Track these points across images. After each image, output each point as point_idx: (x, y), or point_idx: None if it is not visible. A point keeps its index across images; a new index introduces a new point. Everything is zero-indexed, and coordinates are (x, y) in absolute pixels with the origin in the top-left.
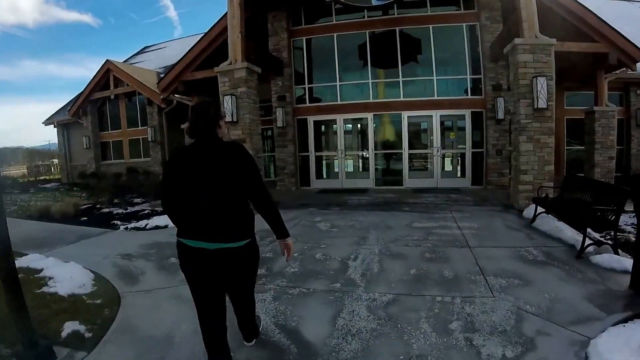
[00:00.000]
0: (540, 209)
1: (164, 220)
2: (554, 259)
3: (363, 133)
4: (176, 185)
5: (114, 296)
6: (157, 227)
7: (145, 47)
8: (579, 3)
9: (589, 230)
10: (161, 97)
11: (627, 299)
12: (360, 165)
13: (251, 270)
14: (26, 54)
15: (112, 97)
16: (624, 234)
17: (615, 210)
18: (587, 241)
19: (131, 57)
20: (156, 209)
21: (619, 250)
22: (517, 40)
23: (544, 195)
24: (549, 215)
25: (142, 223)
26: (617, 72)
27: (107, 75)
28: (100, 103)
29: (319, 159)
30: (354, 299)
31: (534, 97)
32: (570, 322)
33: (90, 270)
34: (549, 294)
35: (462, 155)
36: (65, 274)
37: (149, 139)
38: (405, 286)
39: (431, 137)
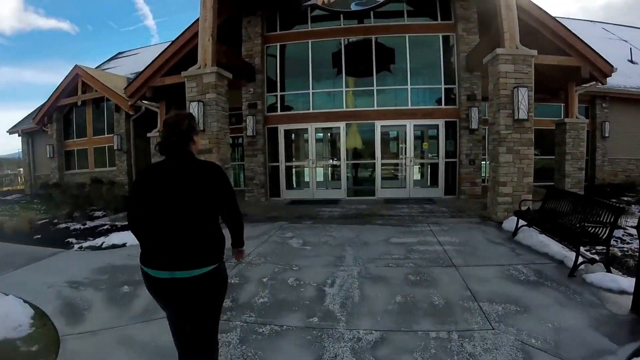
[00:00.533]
0: (521, 222)
1: (122, 237)
2: (546, 278)
3: (335, 142)
4: (143, 207)
5: (53, 340)
6: (113, 246)
7: (119, 53)
8: (554, 18)
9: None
10: (129, 103)
11: (633, 325)
12: (332, 175)
13: (216, 301)
14: (3, 61)
15: (79, 103)
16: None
17: (609, 227)
18: (580, 259)
19: (104, 62)
20: (116, 223)
21: (611, 268)
22: (498, 50)
23: (525, 208)
24: (531, 228)
25: (98, 241)
26: (587, 85)
27: (75, 81)
28: (67, 110)
29: (289, 169)
30: (335, 339)
31: (514, 107)
32: (583, 358)
33: (30, 305)
34: (551, 323)
35: (435, 165)
36: (0, 312)
37: (115, 147)
38: (392, 319)
39: (404, 147)
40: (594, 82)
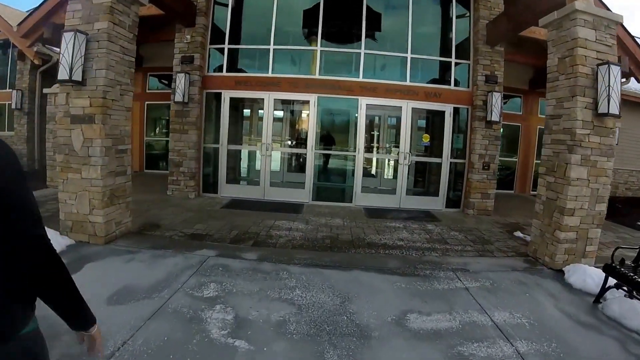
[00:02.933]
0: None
1: None
2: None
3: (300, 122)
4: None
5: None
6: None
7: None
8: None
9: None
10: (26, 45)
11: None
12: (294, 167)
13: None
14: None
15: None
16: None
17: None
18: None
19: None
20: None
21: None
22: (577, 5)
23: (615, 261)
24: (622, 289)
25: None
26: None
27: None
28: None
29: (233, 155)
30: None
31: (598, 95)
32: None
33: None
34: None
35: (437, 167)
36: None
37: (14, 106)
38: None
39: (396, 137)
40: (625, 79)
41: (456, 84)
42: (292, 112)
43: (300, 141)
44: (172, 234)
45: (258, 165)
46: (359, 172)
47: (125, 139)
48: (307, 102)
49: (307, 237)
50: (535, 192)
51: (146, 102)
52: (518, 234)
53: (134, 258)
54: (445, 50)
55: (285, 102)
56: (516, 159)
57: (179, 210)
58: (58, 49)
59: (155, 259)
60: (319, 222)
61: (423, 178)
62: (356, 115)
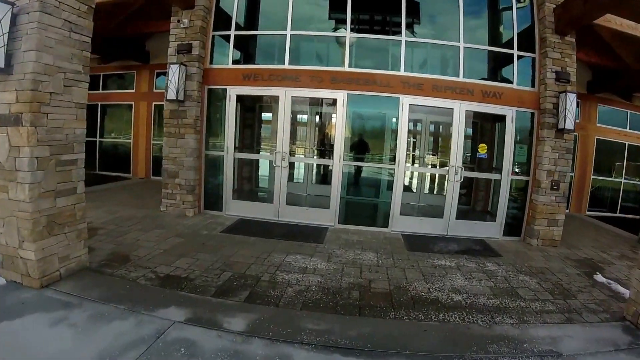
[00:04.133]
0: None
1: None
2: None
3: (325, 125)
4: None
5: None
6: None
7: None
8: None
9: None
10: None
11: None
12: (316, 184)
13: None
14: None
15: None
16: None
17: None
18: None
19: None
20: None
21: None
22: None
23: None
24: None
25: None
26: None
27: None
28: None
29: (241, 165)
30: None
31: None
32: None
33: None
34: None
35: (496, 185)
36: None
37: None
38: None
39: (447, 146)
40: None
41: (520, 81)
42: (314, 113)
43: (325, 150)
44: (140, 274)
45: (271, 178)
46: (397, 190)
47: (75, 146)
48: (334, 100)
49: (326, 287)
50: (592, 212)
51: (154, 103)
52: (599, 277)
53: (66, 318)
54: (503, 39)
55: (305, 101)
56: (572, 174)
57: (165, 234)
58: None
59: (95, 322)
60: (345, 257)
61: (476, 198)
62: (396, 118)
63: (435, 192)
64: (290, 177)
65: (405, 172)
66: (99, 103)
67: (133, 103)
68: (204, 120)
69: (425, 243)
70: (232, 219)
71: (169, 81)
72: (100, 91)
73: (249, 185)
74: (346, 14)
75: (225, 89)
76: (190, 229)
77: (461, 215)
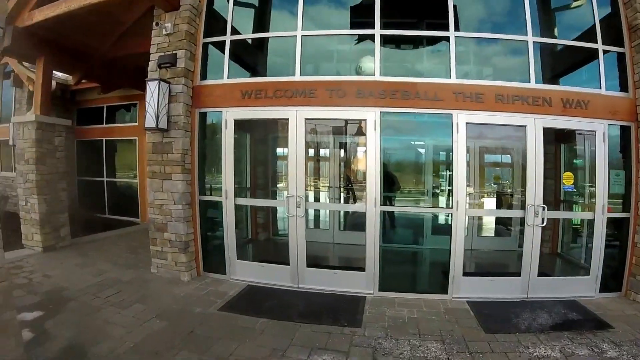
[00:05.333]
0: None
1: None
2: None
3: (353, 158)
4: None
5: None
6: None
7: None
8: None
9: None
10: None
11: None
12: (345, 234)
13: None
14: None
15: None
16: None
17: None
18: None
19: None
20: None
21: None
22: None
23: None
24: None
25: None
26: None
27: None
28: None
29: (245, 213)
30: None
31: None
32: None
33: None
34: None
35: (587, 225)
36: None
37: None
38: None
39: (519, 177)
40: None
41: (609, 85)
42: (337, 143)
43: (353, 189)
44: None
45: (288, 229)
46: (457, 242)
47: None
48: (363, 120)
49: None
50: None
51: None
52: None
53: None
54: (581, 30)
55: (325, 127)
56: None
57: (145, 314)
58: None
59: None
60: (396, 353)
61: (560, 245)
62: (449, 143)
63: (511, 244)
64: (311, 222)
65: (467, 211)
66: (104, 139)
67: (137, 138)
68: (195, 154)
69: (504, 315)
70: (238, 285)
71: (146, 104)
72: (104, 125)
73: (258, 239)
74: (374, 4)
75: (221, 112)
76: (180, 303)
77: (546, 270)
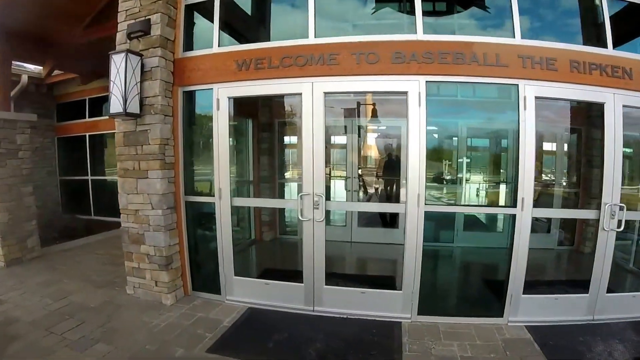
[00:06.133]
0: None
1: None
2: None
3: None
4: None
5: None
6: None
7: None
8: None
9: None
10: None
11: None
12: (363, 232)
13: None
14: None
15: None
16: None
17: None
18: None
19: None
20: None
21: None
22: None
23: None
24: None
25: None
26: None
27: None
28: None
29: (246, 217)
30: None
31: None
32: None
33: None
34: None
35: None
36: None
37: None
38: None
39: (595, 170)
40: None
41: None
42: (366, 124)
43: (387, 185)
44: None
45: (298, 239)
46: (520, 252)
47: None
48: (401, 95)
49: None
50: None
51: None
52: None
53: None
54: None
55: (348, 98)
56: None
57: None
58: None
59: None
60: None
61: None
62: (514, 122)
63: (579, 253)
64: (330, 238)
65: (532, 212)
66: (87, 134)
67: None
68: (179, 145)
69: (573, 348)
70: (235, 309)
71: (111, 84)
72: (87, 119)
73: (263, 240)
74: None
75: (211, 89)
76: (157, 341)
77: (618, 281)
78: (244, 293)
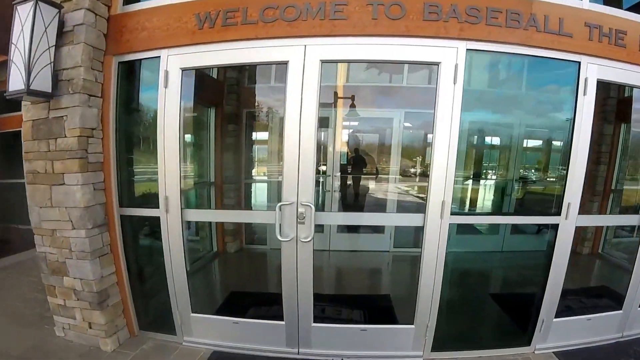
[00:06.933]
0: None
1: None
2: None
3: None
4: None
5: None
6: None
7: None
8: None
9: None
10: None
11: None
12: (354, 246)
13: None
14: None
15: None
16: None
17: None
18: None
19: None
20: None
21: None
22: None
23: None
24: None
25: None
26: None
27: None
28: None
29: (207, 234)
30: None
31: None
32: None
33: None
34: None
35: None
36: None
37: None
38: None
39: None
40: None
41: None
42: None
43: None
44: None
45: (277, 264)
46: (558, 270)
47: None
48: (432, 66)
49: None
50: None
51: None
52: None
53: None
54: None
55: (363, 67)
56: None
57: None
58: None
59: None
60: None
61: None
62: (570, 110)
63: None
64: (321, 262)
65: (577, 220)
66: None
67: None
68: (110, 136)
69: None
70: (197, 354)
71: (11, 48)
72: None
73: (228, 265)
74: None
75: (158, 57)
76: None
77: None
78: (207, 333)
